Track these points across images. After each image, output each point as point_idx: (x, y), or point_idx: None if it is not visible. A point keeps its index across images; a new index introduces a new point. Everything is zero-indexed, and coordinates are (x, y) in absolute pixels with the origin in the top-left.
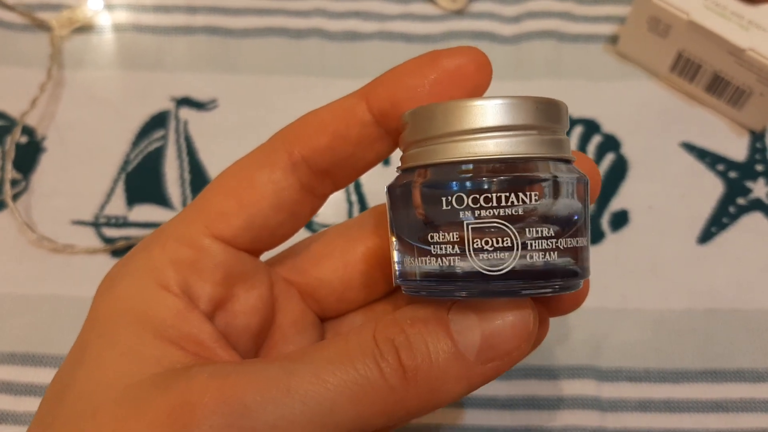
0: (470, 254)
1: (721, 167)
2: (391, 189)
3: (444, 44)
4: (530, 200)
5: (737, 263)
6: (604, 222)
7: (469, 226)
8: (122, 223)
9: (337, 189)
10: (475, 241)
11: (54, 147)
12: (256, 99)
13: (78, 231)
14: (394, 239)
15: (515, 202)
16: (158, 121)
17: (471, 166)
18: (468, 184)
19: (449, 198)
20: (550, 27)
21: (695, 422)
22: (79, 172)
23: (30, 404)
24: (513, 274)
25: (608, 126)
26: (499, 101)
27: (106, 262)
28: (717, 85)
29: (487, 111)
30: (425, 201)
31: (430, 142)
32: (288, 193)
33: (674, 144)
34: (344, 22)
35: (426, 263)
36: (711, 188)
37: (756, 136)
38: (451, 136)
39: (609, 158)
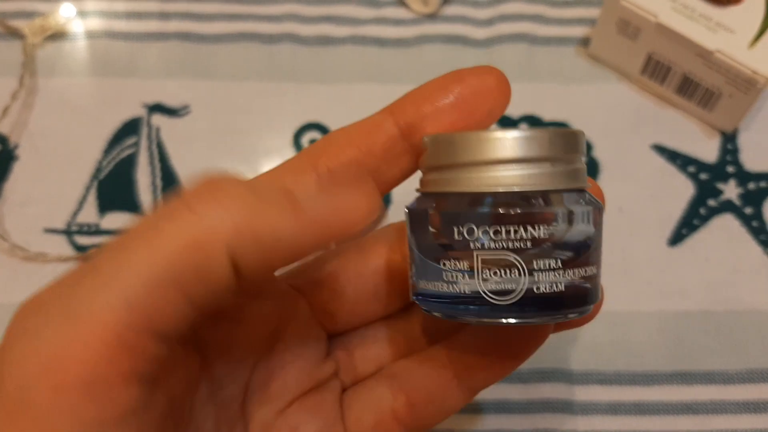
0: (479, 282)
1: (692, 169)
2: (410, 210)
3: (417, 48)
4: (540, 233)
5: (708, 265)
6: None
7: (479, 256)
8: (94, 230)
9: None
10: (484, 270)
11: (26, 155)
12: (229, 105)
13: (50, 239)
14: (412, 256)
15: (524, 236)
16: (130, 127)
17: (486, 199)
18: (479, 216)
19: (461, 228)
20: (522, 30)
21: (665, 424)
22: (52, 180)
23: None
24: (522, 302)
25: (579, 128)
26: (515, 134)
27: None
28: (687, 87)
29: (505, 144)
30: (440, 227)
31: (448, 170)
32: None
33: (645, 146)
34: (316, 27)
35: (439, 286)
36: (682, 190)
37: (727, 138)
38: (468, 166)
39: None
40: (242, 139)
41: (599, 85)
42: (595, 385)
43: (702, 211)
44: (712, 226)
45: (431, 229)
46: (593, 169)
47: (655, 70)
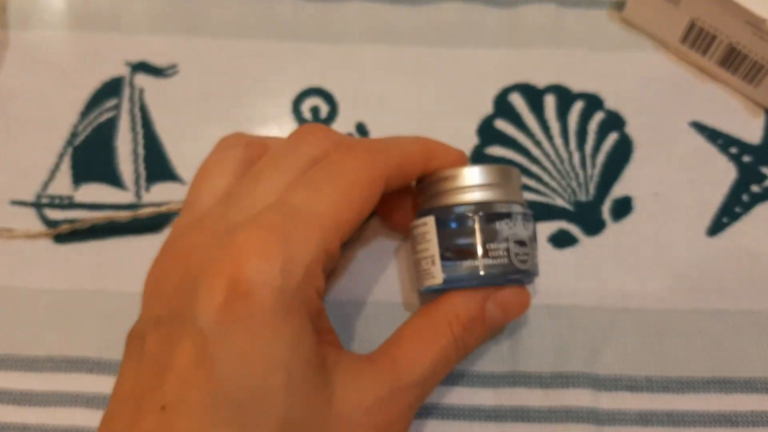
0: (513, 256)
1: (734, 150)
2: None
3: (434, 6)
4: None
5: (750, 259)
6: (605, 210)
7: (510, 239)
8: (67, 204)
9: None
10: (515, 247)
11: None
12: (221, 65)
13: (18, 212)
14: (441, 253)
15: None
16: (111, 88)
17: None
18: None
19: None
20: None
21: None
22: (21, 146)
23: None
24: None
25: (612, 102)
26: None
27: (47, 248)
28: (732, 59)
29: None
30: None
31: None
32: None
33: (683, 123)
34: None
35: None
36: (723, 173)
37: None
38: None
39: (612, 138)
40: (235, 104)
41: (633, 54)
42: (623, 391)
43: (745, 197)
44: (756, 214)
45: (473, 226)
46: (626, 148)
47: (698, 38)
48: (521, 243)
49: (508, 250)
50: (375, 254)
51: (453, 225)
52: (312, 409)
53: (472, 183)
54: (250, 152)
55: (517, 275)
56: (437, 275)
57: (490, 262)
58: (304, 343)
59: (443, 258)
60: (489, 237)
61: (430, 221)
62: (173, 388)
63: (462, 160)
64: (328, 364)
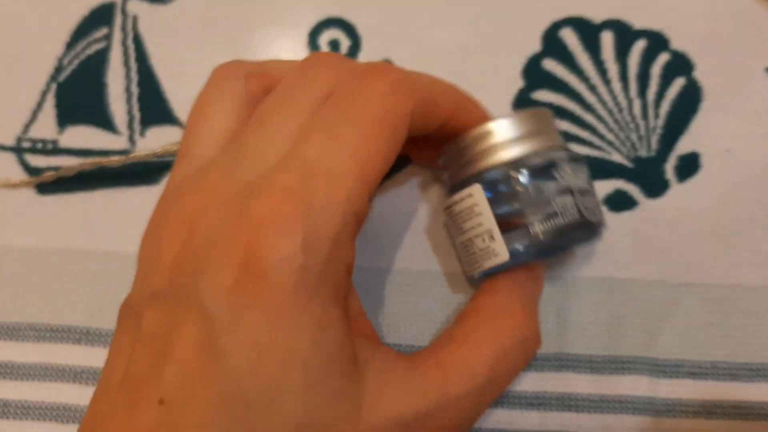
0: (581, 207)
1: None
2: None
3: None
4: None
5: None
6: (669, 168)
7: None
8: (51, 149)
9: None
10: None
11: None
12: None
13: None
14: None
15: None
16: (100, 15)
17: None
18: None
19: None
20: None
21: None
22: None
23: None
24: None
25: (678, 42)
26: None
27: (29, 200)
28: None
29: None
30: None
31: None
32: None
33: (760, 69)
34: None
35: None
36: None
37: None
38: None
39: (678, 84)
40: (242, 35)
41: None
42: (685, 378)
43: None
44: None
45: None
46: (694, 96)
47: None
48: (581, 192)
49: (567, 203)
50: (405, 207)
51: (500, 188)
52: (335, 416)
53: (504, 138)
54: (252, 86)
55: (585, 231)
56: (500, 251)
57: (550, 224)
58: (330, 334)
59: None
60: (540, 194)
61: (476, 191)
62: (174, 380)
63: (485, 117)
64: (360, 362)
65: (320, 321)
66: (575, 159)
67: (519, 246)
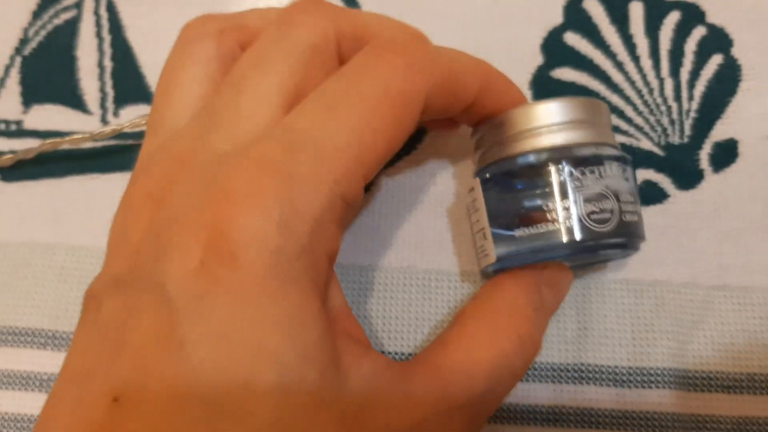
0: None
1: None
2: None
3: None
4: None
5: None
6: (703, 157)
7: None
8: (15, 130)
9: None
10: (585, 204)
11: None
12: None
13: None
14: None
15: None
16: None
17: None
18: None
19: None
20: None
21: None
22: None
23: None
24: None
25: (715, 15)
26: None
27: None
28: None
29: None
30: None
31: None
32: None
33: None
34: None
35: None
36: None
37: None
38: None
39: (714, 62)
40: (230, 3)
41: None
42: (718, 393)
43: None
44: None
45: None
46: (732, 74)
47: None
48: (625, 198)
49: (607, 207)
50: (411, 197)
51: (517, 183)
52: (312, 426)
53: (548, 122)
54: (225, 43)
55: (621, 243)
56: (490, 251)
57: (584, 226)
58: (308, 329)
59: (504, 227)
60: (578, 192)
61: (476, 185)
62: (127, 374)
63: (522, 101)
64: (344, 366)
65: (297, 313)
66: (625, 161)
67: (536, 244)
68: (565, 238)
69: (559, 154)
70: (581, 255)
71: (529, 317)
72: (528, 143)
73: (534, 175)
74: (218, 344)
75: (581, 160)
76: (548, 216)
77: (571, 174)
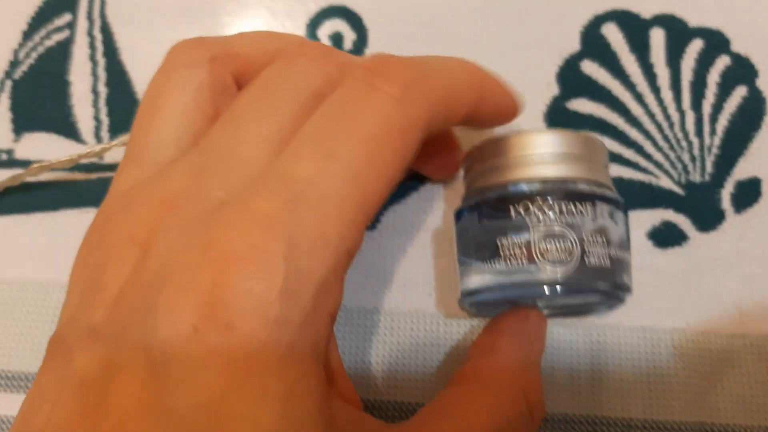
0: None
1: None
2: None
3: None
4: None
5: None
6: (725, 196)
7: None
8: (6, 160)
9: None
10: (540, 243)
11: None
12: None
13: None
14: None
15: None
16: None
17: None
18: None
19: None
20: None
21: None
22: None
23: None
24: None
25: (740, 43)
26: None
27: None
28: None
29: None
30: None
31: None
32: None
33: None
34: None
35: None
36: None
37: None
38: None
39: (739, 94)
40: (229, 25)
41: None
42: None
43: None
44: None
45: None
46: (757, 107)
47: None
48: (616, 243)
49: (595, 252)
50: (405, 237)
51: (518, 210)
52: None
53: (539, 152)
54: (218, 71)
55: (607, 291)
56: (465, 283)
57: (567, 269)
58: (303, 403)
59: (481, 259)
60: (565, 230)
61: (453, 216)
62: None
63: (515, 110)
64: (338, 425)
65: (293, 387)
66: (618, 205)
67: (516, 278)
68: (543, 276)
69: (546, 188)
70: (561, 297)
71: (529, 376)
72: (514, 173)
73: (516, 208)
74: (209, 419)
75: (571, 194)
76: (527, 252)
77: (555, 209)
